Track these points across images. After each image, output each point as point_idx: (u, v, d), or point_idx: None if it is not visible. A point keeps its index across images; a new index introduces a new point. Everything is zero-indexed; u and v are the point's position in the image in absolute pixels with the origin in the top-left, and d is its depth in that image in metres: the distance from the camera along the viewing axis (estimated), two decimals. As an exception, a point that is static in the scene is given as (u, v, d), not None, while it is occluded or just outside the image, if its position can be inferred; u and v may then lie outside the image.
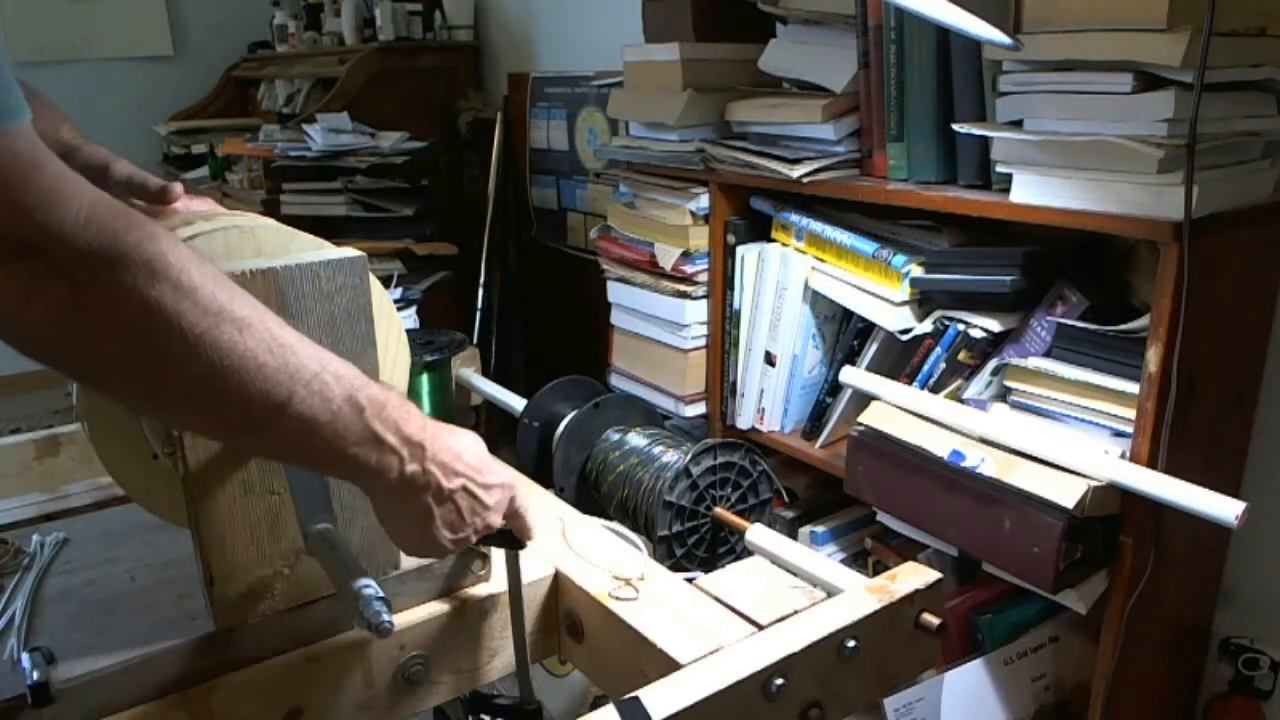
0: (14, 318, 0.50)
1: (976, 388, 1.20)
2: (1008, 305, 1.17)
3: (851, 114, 1.32)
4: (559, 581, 0.88)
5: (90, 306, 0.50)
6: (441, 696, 0.83)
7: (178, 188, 0.84)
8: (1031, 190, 1.07)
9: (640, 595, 0.84)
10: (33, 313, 0.50)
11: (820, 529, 1.42)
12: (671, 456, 1.13)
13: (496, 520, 0.73)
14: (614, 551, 0.92)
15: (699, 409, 1.58)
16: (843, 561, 1.31)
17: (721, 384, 1.54)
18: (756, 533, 0.94)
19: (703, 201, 1.49)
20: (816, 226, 1.36)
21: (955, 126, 1.14)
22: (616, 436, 1.21)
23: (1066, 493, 0.97)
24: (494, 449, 1.24)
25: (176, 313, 0.52)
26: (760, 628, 0.78)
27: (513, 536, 0.80)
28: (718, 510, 1.06)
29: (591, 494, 1.21)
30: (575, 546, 0.92)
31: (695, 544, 1.07)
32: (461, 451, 0.69)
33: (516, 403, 1.39)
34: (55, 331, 0.51)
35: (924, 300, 1.26)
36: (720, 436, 1.52)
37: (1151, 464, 0.99)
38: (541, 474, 1.22)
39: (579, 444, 1.23)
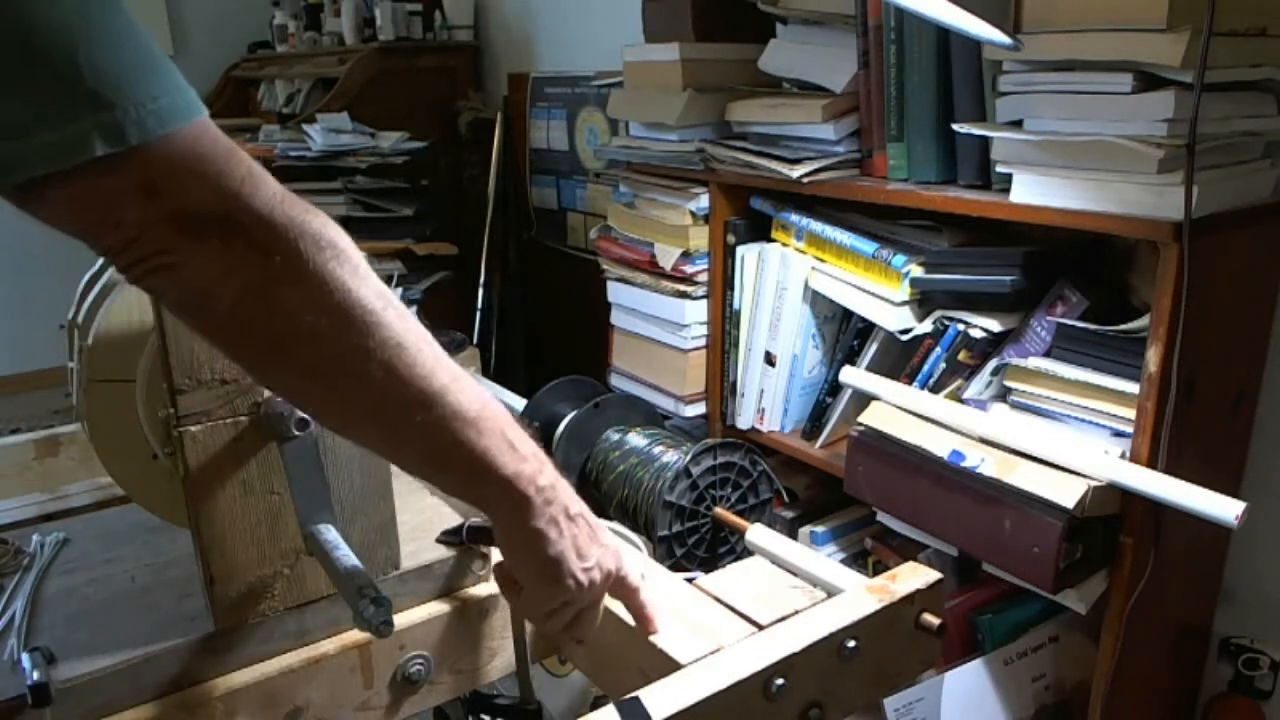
0: (210, 293, 0.52)
1: (976, 388, 1.20)
2: (1008, 305, 1.17)
3: (851, 114, 1.32)
4: (559, 581, 0.88)
5: (282, 277, 0.53)
6: (441, 696, 0.83)
7: None
8: (1031, 190, 1.07)
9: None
10: (229, 287, 0.52)
11: (820, 529, 1.42)
12: (671, 456, 1.13)
13: (612, 564, 0.69)
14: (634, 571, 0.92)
15: (699, 409, 1.58)
16: (843, 561, 1.31)
17: (721, 384, 1.54)
18: (756, 533, 0.94)
19: (703, 201, 1.49)
20: (816, 226, 1.36)
21: (955, 126, 1.14)
22: (616, 436, 1.21)
23: (1066, 493, 0.97)
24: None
25: (356, 289, 0.55)
26: (760, 628, 0.78)
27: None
28: (718, 510, 1.06)
29: (592, 494, 1.21)
30: (575, 546, 0.92)
31: (695, 544, 1.07)
32: (569, 486, 0.67)
33: (516, 403, 1.39)
34: (247, 304, 0.53)
35: (924, 300, 1.26)
36: (720, 436, 1.52)
37: (1151, 464, 0.99)
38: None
39: (579, 444, 1.23)
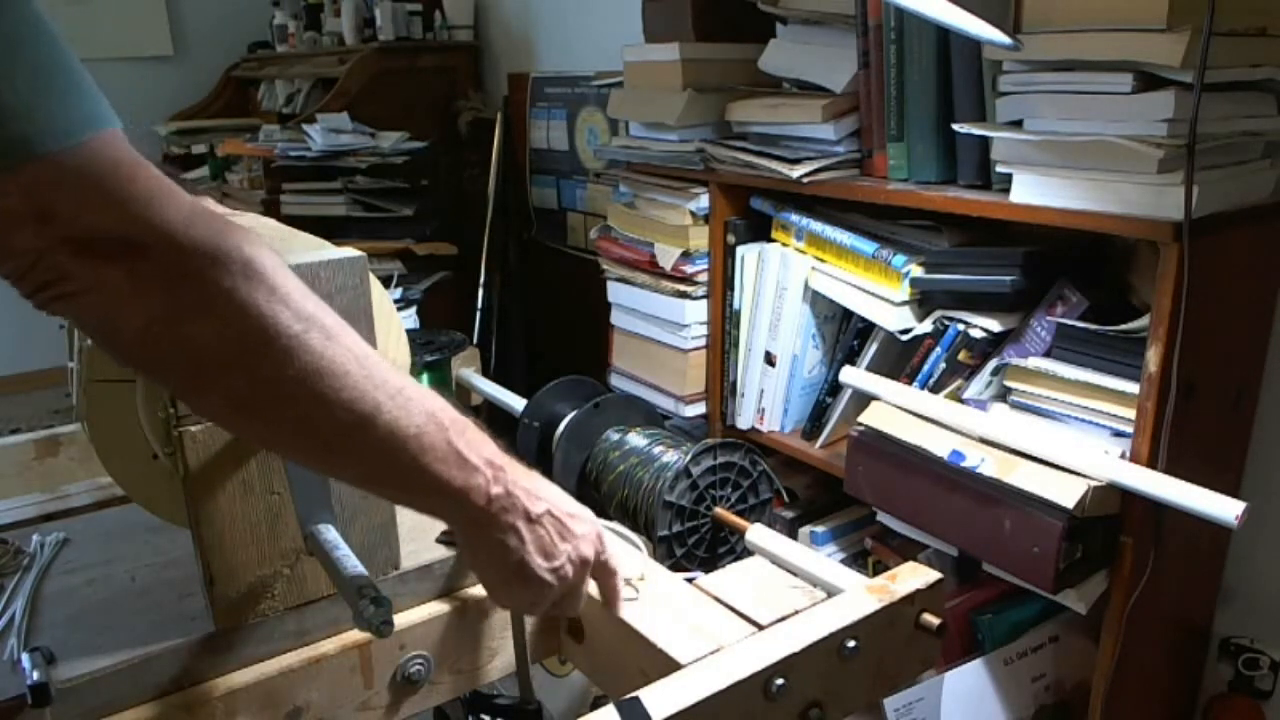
0: (112, 319, 0.50)
1: (976, 388, 1.20)
2: (1008, 305, 1.17)
3: (851, 114, 1.32)
4: (559, 581, 0.88)
5: (190, 305, 0.50)
6: (441, 696, 0.83)
7: None
8: (1031, 190, 1.07)
9: (640, 595, 0.83)
10: (132, 313, 0.49)
11: (820, 529, 1.42)
12: (671, 456, 1.13)
13: (589, 550, 0.69)
14: (614, 552, 0.92)
15: (699, 409, 1.58)
16: (843, 561, 1.31)
17: (721, 384, 1.54)
18: (756, 533, 0.94)
19: (703, 201, 1.49)
20: (816, 226, 1.36)
21: (955, 126, 1.14)
22: (616, 436, 1.21)
23: (1066, 493, 0.97)
24: (494, 449, 1.24)
25: (272, 314, 0.52)
26: (760, 628, 0.78)
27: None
28: (718, 510, 1.06)
29: (591, 494, 1.21)
30: (575, 546, 0.92)
31: (695, 544, 1.07)
32: (538, 481, 0.67)
33: (516, 403, 1.39)
34: (153, 332, 0.50)
35: (924, 300, 1.26)
36: (720, 436, 1.52)
37: (1151, 464, 0.99)
38: (541, 474, 1.22)
39: (579, 444, 1.23)
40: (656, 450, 1.16)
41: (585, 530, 0.69)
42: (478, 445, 0.61)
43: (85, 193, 0.47)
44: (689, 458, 1.06)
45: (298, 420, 0.55)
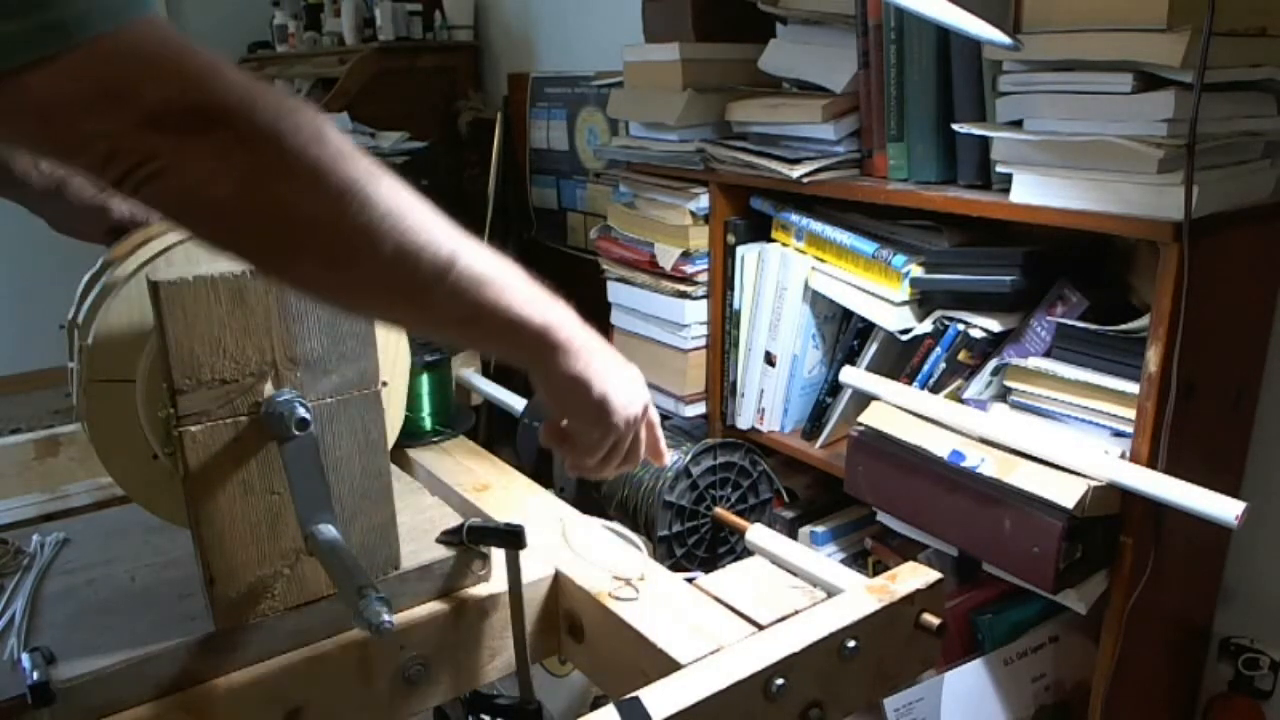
0: (200, 192, 0.50)
1: (976, 388, 1.20)
2: (1008, 305, 1.17)
3: (851, 114, 1.32)
4: (559, 581, 0.88)
5: (272, 167, 0.51)
6: (441, 696, 0.83)
7: None
8: (1031, 190, 1.07)
9: (640, 595, 0.84)
10: (220, 182, 0.50)
11: (820, 529, 1.42)
12: (671, 456, 1.13)
13: (646, 395, 0.72)
14: (614, 551, 0.92)
15: (699, 409, 1.58)
16: (843, 561, 1.31)
17: (721, 384, 1.54)
18: (756, 533, 0.94)
19: (703, 201, 1.49)
20: (816, 226, 1.36)
21: (955, 126, 1.14)
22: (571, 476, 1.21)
23: (1066, 493, 0.97)
24: (494, 449, 1.24)
25: (347, 167, 0.53)
26: (760, 628, 0.78)
27: (513, 536, 0.80)
28: (718, 510, 1.06)
29: (591, 494, 1.21)
30: (575, 546, 0.92)
31: (695, 544, 1.07)
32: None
33: (516, 403, 1.39)
34: (243, 199, 0.51)
35: (924, 300, 1.26)
36: (720, 436, 1.52)
37: (1151, 464, 0.99)
38: (541, 474, 1.22)
39: None
40: (656, 450, 1.16)
41: (637, 377, 0.72)
42: (541, 289, 0.64)
43: (149, 68, 0.47)
44: (689, 458, 1.06)
45: (387, 267, 0.56)
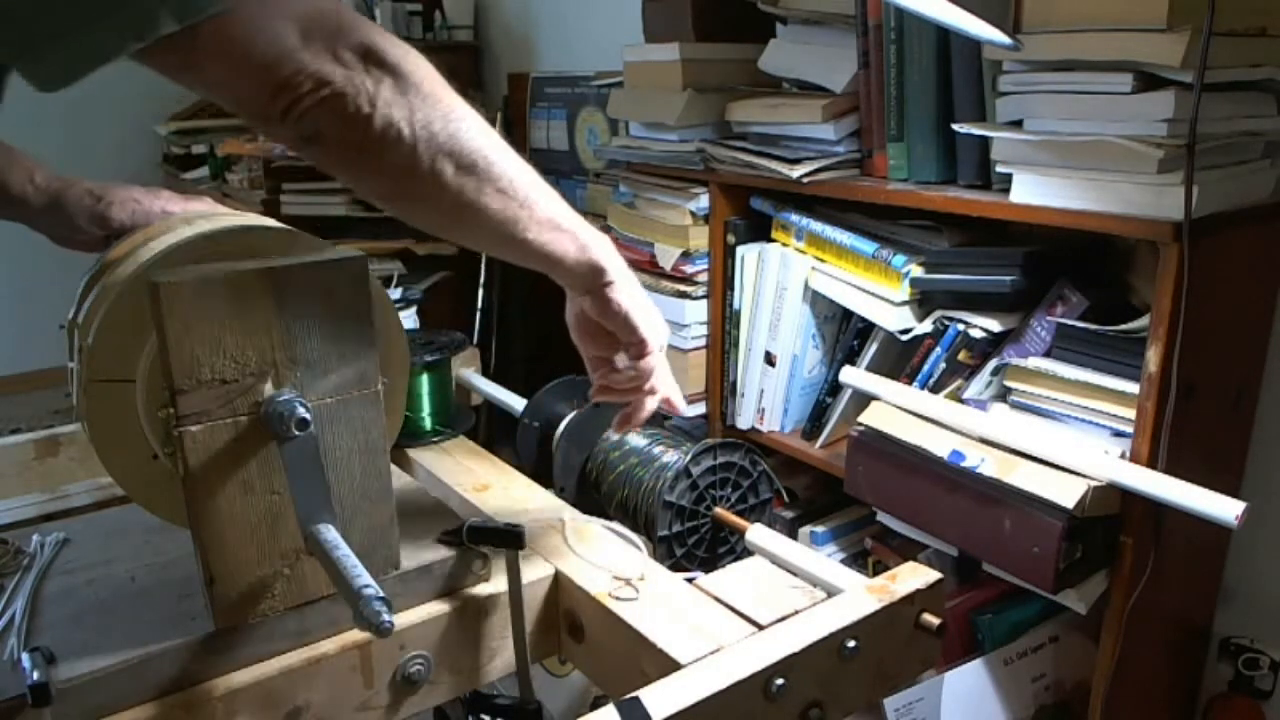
0: (370, 121, 0.61)
1: (976, 388, 1.20)
2: (1008, 305, 1.17)
3: (851, 114, 1.32)
4: (559, 581, 0.88)
5: (427, 104, 0.64)
6: (441, 696, 0.83)
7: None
8: (1031, 190, 1.07)
9: (640, 595, 0.84)
10: (386, 114, 0.61)
11: (820, 529, 1.42)
12: (671, 456, 1.13)
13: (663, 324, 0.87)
14: (614, 551, 0.92)
15: (699, 409, 1.58)
16: (843, 561, 1.31)
17: (721, 384, 1.54)
18: (756, 533, 0.94)
19: (703, 201, 1.49)
20: (816, 226, 1.36)
21: (955, 126, 1.14)
22: (616, 437, 1.21)
23: (1066, 493, 0.97)
24: (494, 449, 1.24)
25: (480, 140, 0.69)
26: (760, 628, 0.78)
27: (513, 536, 0.80)
28: (718, 510, 1.06)
29: (592, 494, 1.21)
30: (575, 546, 0.92)
31: (695, 544, 1.07)
32: None
33: (516, 403, 1.38)
34: (412, 126, 0.62)
35: (924, 300, 1.26)
36: (720, 436, 1.52)
37: (1151, 464, 0.99)
38: (541, 474, 1.22)
39: (579, 444, 1.23)
40: (656, 450, 1.16)
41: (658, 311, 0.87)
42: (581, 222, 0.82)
43: (323, 10, 0.58)
44: (689, 458, 1.06)
45: (490, 222, 0.71)
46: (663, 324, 0.86)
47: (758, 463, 1.10)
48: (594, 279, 0.80)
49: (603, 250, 0.79)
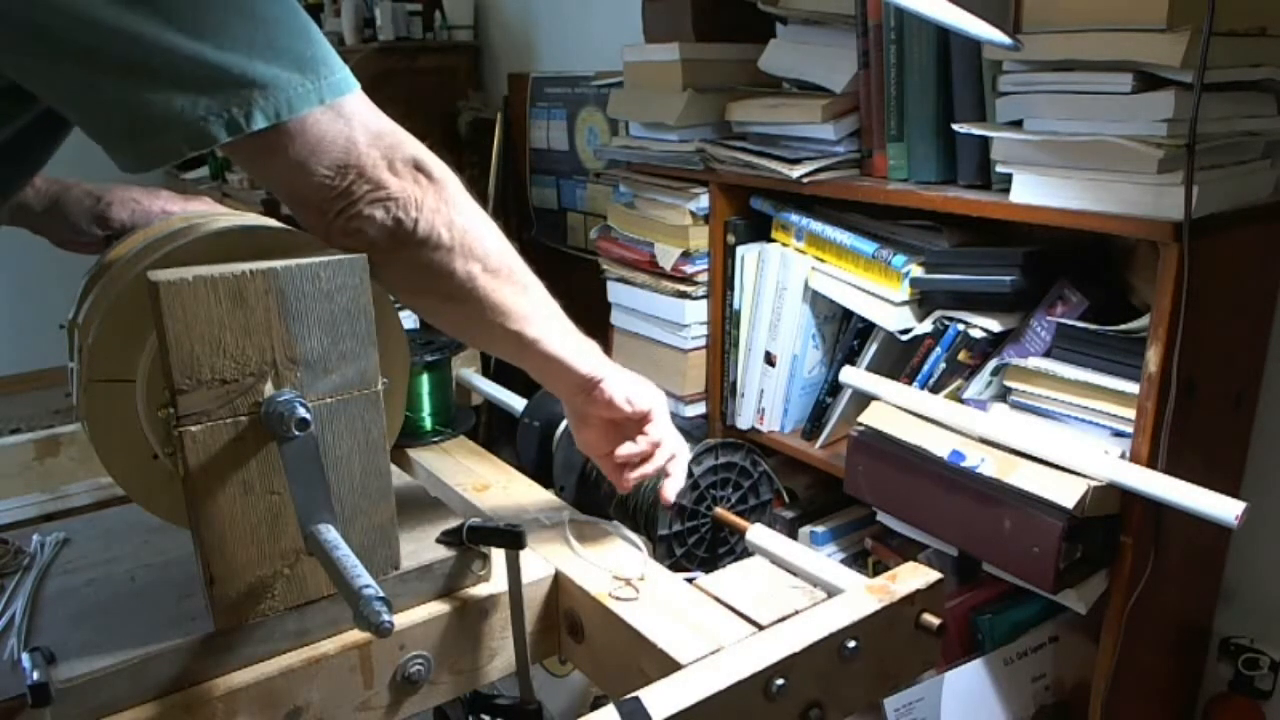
0: (408, 225, 0.68)
1: (976, 388, 1.20)
2: (1008, 305, 1.17)
3: (851, 114, 1.32)
4: (559, 581, 0.88)
5: (461, 212, 0.71)
6: (441, 696, 0.83)
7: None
8: (1031, 190, 1.07)
9: (640, 595, 0.84)
10: (427, 219, 0.69)
11: (820, 529, 1.42)
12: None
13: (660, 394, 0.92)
14: (614, 551, 0.92)
15: (699, 409, 1.58)
16: (843, 561, 1.31)
17: (721, 384, 1.54)
18: (756, 533, 0.94)
19: (703, 201, 1.49)
20: (816, 226, 1.36)
21: (955, 126, 1.14)
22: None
23: (1066, 493, 0.97)
24: (494, 449, 1.24)
25: (508, 259, 0.76)
26: (760, 628, 0.78)
27: (513, 536, 0.80)
28: (718, 510, 1.06)
29: (592, 494, 1.20)
30: (575, 546, 0.92)
31: (695, 544, 1.06)
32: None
33: (516, 403, 1.38)
34: (446, 227, 0.70)
35: (924, 300, 1.26)
36: (721, 436, 1.52)
37: (1151, 464, 0.99)
38: (541, 474, 1.22)
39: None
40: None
41: (648, 383, 0.91)
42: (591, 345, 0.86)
43: (382, 123, 0.67)
44: (690, 457, 1.06)
45: (502, 332, 0.77)
46: (653, 389, 0.90)
47: (759, 463, 1.10)
48: (590, 382, 0.84)
49: (595, 352, 0.85)
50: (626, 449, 0.88)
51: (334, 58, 0.63)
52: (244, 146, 0.61)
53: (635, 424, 0.88)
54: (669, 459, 0.91)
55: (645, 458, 0.90)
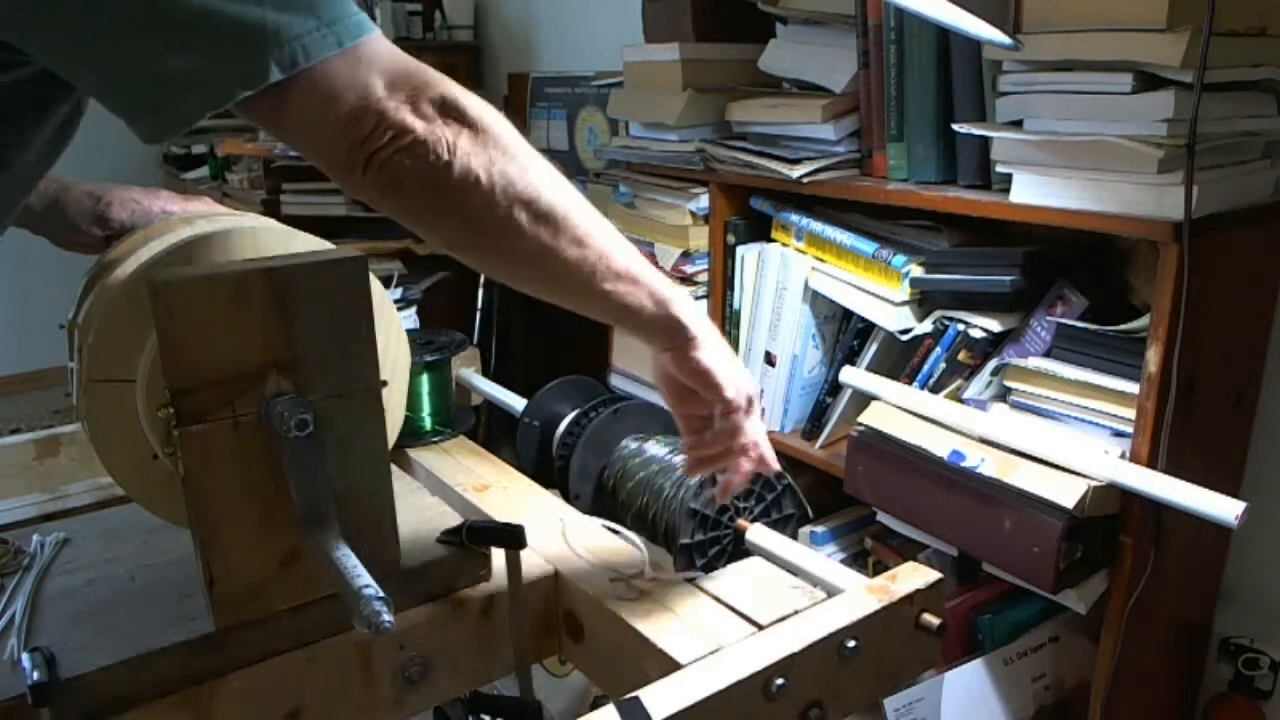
0: (450, 169, 0.62)
1: (976, 388, 1.20)
2: (1008, 305, 1.17)
3: (851, 114, 1.32)
4: (559, 581, 0.88)
5: (505, 158, 0.64)
6: (441, 696, 0.83)
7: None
8: (1031, 190, 1.07)
9: (640, 595, 0.84)
10: (479, 162, 0.62)
11: (820, 529, 1.42)
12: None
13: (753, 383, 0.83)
14: (614, 551, 0.92)
15: (699, 409, 1.58)
16: (843, 561, 1.31)
17: (721, 384, 1.54)
18: (756, 533, 0.94)
19: (703, 201, 1.49)
20: (816, 226, 1.36)
21: (955, 126, 1.14)
22: (635, 445, 1.20)
23: (1066, 493, 0.97)
24: (494, 449, 1.24)
25: (559, 195, 0.67)
26: (760, 628, 0.78)
27: (513, 536, 0.80)
28: (740, 522, 1.05)
29: (608, 502, 1.20)
30: (575, 546, 0.92)
31: (717, 555, 1.05)
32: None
33: (516, 403, 1.38)
34: (490, 175, 0.63)
35: (924, 300, 1.26)
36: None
37: (1151, 464, 0.99)
38: (541, 474, 1.22)
39: (596, 451, 1.21)
40: (677, 459, 1.14)
41: (743, 367, 0.84)
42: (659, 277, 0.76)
43: (405, 63, 0.61)
44: (773, 458, 1.04)
45: (579, 231, 0.68)
46: (748, 379, 0.82)
47: (783, 476, 1.09)
48: (673, 336, 0.76)
49: (684, 307, 0.76)
50: (715, 423, 0.81)
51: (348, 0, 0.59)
52: (261, 103, 0.57)
53: (717, 405, 0.81)
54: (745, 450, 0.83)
55: (716, 451, 0.83)
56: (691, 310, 0.77)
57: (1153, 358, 0.97)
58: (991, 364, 1.19)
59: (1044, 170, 1.05)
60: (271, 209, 2.48)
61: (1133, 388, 1.01)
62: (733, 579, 0.87)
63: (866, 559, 1.40)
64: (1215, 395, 1.09)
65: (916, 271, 1.23)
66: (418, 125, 0.60)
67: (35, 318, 3.42)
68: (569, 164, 2.43)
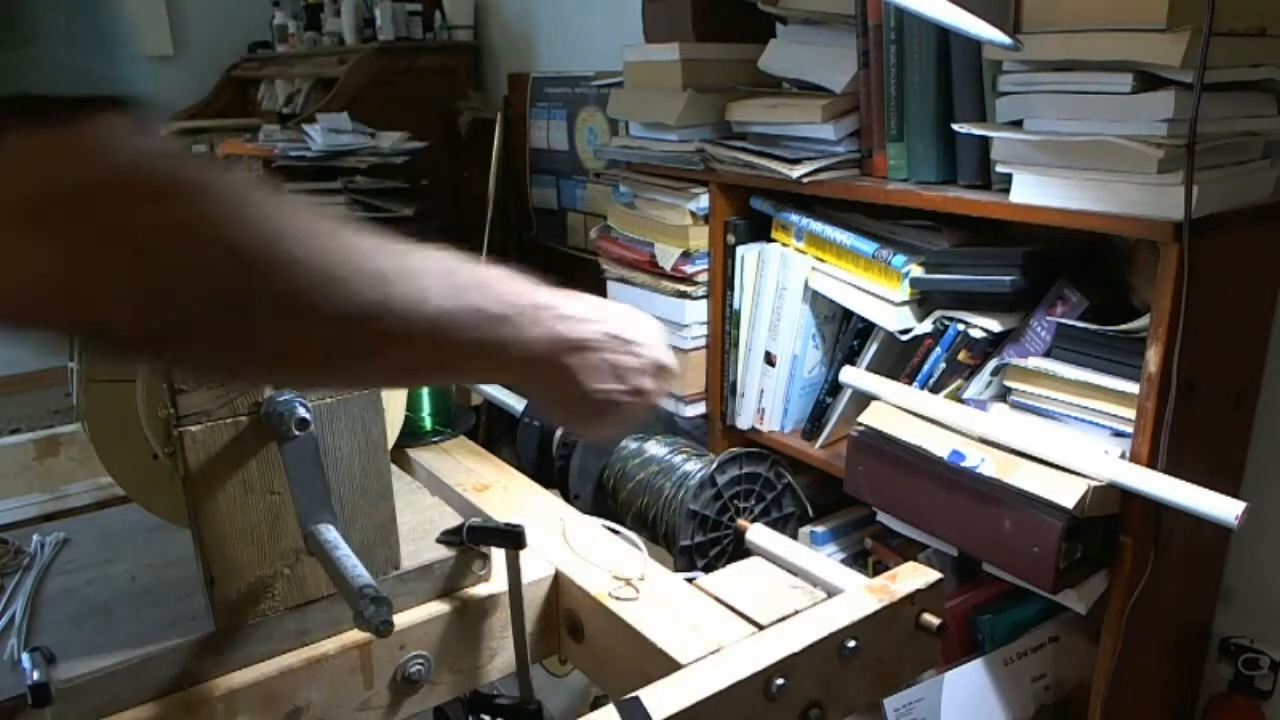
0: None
1: (976, 388, 1.20)
2: (1008, 305, 1.17)
3: (851, 114, 1.32)
4: (559, 581, 0.88)
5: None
6: (441, 696, 0.83)
7: None
8: (1031, 190, 1.07)
9: (640, 595, 0.84)
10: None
11: (820, 529, 1.42)
12: (694, 465, 1.11)
13: (658, 353, 0.64)
14: (614, 551, 0.92)
15: (699, 409, 1.58)
16: (843, 561, 1.31)
17: (721, 384, 1.54)
18: (756, 533, 0.94)
19: (703, 201, 1.48)
20: (816, 226, 1.36)
21: (955, 126, 1.14)
22: (635, 445, 1.20)
23: (1066, 493, 0.97)
24: (494, 449, 1.24)
25: (245, 230, 0.43)
26: (760, 628, 0.78)
27: (513, 536, 0.80)
28: (740, 522, 1.05)
29: (608, 502, 1.20)
30: (575, 546, 0.92)
31: (717, 555, 1.06)
32: (588, 304, 0.61)
33: (516, 403, 1.39)
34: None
35: (924, 300, 1.26)
36: (721, 437, 1.52)
37: (1151, 464, 0.99)
38: (541, 474, 1.22)
39: (596, 451, 1.22)
40: (678, 459, 1.15)
41: (649, 334, 0.63)
42: (501, 294, 0.55)
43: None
44: (714, 466, 1.05)
45: (302, 332, 0.45)
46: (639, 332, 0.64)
47: (783, 475, 1.09)
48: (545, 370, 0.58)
49: (526, 327, 0.56)
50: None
51: None
52: None
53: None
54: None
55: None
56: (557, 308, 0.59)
57: (1153, 358, 0.97)
58: (991, 364, 1.19)
59: (1044, 170, 1.05)
60: (271, 209, 2.48)
61: (1133, 388, 1.01)
62: (733, 579, 0.87)
63: (866, 559, 1.40)
64: (1215, 395, 1.09)
65: (916, 271, 1.23)
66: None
67: (35, 318, 3.42)
68: (569, 164, 2.43)
